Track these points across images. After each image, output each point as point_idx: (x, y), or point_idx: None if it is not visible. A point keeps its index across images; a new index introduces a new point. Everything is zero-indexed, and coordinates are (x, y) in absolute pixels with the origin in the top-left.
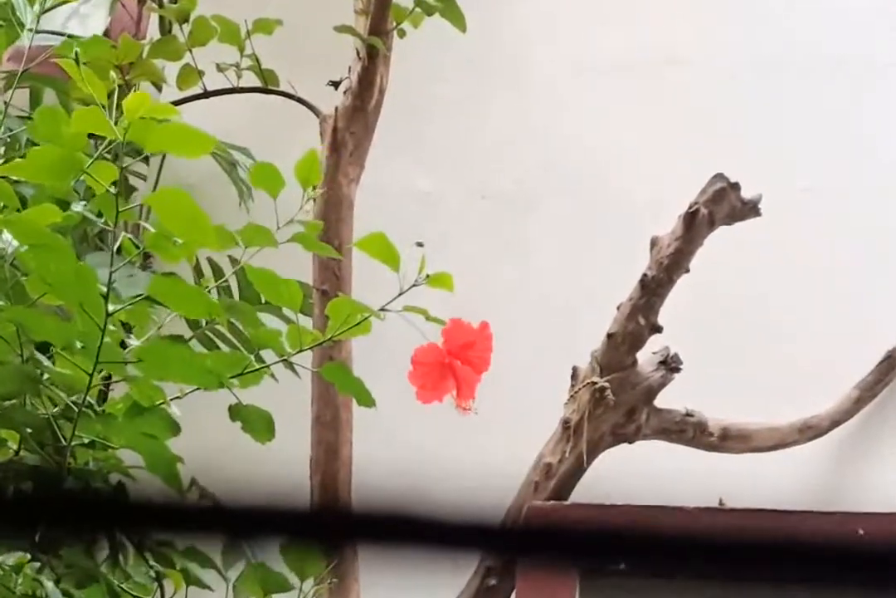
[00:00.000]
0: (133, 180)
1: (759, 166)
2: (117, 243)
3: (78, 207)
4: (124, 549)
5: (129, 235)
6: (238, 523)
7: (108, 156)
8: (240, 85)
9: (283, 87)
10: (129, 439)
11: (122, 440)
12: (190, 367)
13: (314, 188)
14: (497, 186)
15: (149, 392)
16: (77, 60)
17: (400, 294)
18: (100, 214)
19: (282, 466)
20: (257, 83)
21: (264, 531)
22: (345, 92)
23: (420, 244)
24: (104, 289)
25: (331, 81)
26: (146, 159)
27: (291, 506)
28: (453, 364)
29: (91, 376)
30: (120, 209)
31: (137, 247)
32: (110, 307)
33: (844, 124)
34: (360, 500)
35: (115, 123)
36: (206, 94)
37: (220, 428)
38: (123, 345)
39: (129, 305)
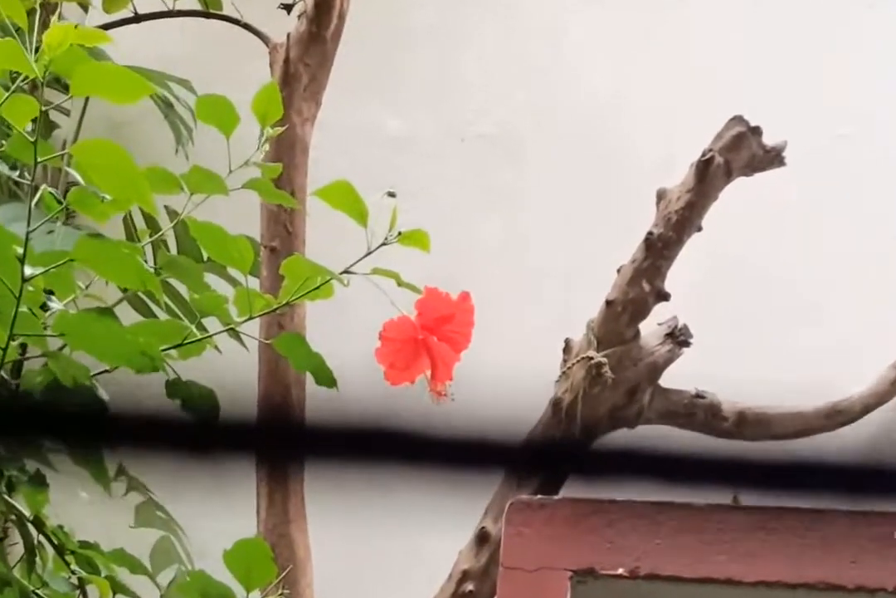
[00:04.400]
0: (55, 115)
1: (788, 108)
2: (36, 197)
3: None
4: (42, 550)
5: (51, 189)
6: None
7: (26, 87)
8: (176, 7)
9: (226, 11)
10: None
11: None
12: (119, 344)
13: (273, 126)
14: (479, 129)
15: (71, 371)
16: None
17: (367, 254)
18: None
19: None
20: (197, 6)
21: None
22: (298, 16)
23: (392, 194)
24: (20, 250)
25: (282, 4)
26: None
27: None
28: (428, 341)
29: (4, 350)
30: (39, 158)
31: (60, 202)
32: (27, 271)
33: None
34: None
35: (35, 52)
36: (137, 18)
37: (153, 406)
38: (44, 307)
39: (50, 269)
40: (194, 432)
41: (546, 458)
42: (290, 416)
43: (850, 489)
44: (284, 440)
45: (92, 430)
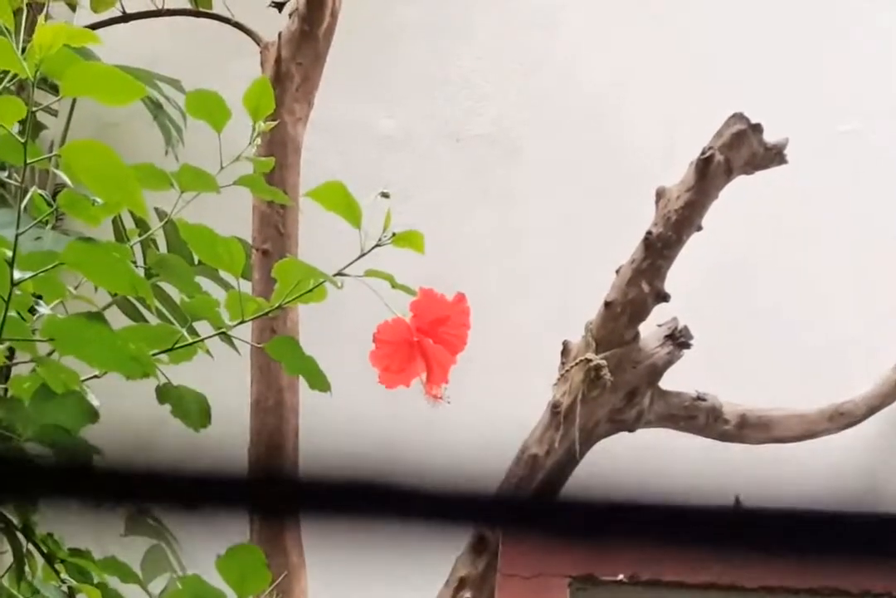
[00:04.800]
0: (42, 116)
1: (788, 104)
2: (25, 200)
3: None
4: (31, 559)
5: (41, 191)
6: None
7: (12, 88)
8: (165, 6)
9: (216, 10)
10: (38, 431)
11: (30, 431)
12: (110, 350)
13: (265, 122)
14: (474, 127)
15: (61, 376)
16: None
17: (361, 255)
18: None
19: (217, 457)
20: (186, 4)
21: (202, 499)
22: (290, 15)
23: (385, 195)
24: (9, 253)
25: (273, 2)
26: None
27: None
28: (423, 343)
29: None
30: (29, 160)
31: (50, 205)
32: (16, 275)
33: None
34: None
35: (23, 51)
36: (126, 18)
37: (145, 412)
38: (32, 311)
39: (39, 273)
40: (186, 489)
41: (516, 516)
42: (281, 460)
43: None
44: (277, 496)
45: (78, 488)
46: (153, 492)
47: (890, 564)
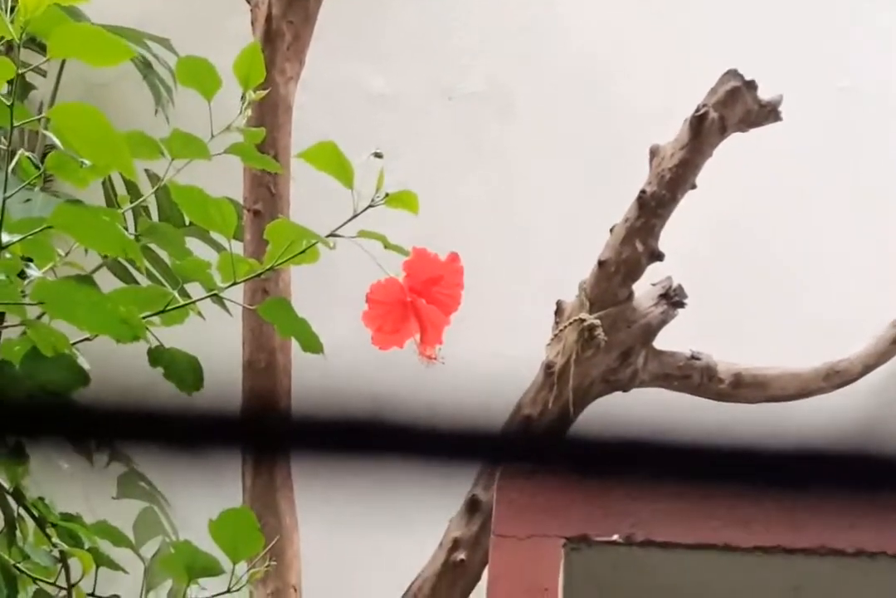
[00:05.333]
0: (31, 77)
1: (785, 62)
2: (13, 162)
3: None
4: (22, 523)
5: (28, 154)
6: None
7: (1, 48)
8: None
9: None
10: (29, 393)
11: (21, 395)
12: (100, 313)
13: (256, 89)
14: (467, 86)
15: (51, 339)
16: None
17: (354, 216)
18: None
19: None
20: None
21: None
22: None
23: (378, 155)
24: None
25: None
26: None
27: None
28: (416, 303)
29: None
30: (16, 122)
31: (38, 167)
32: (4, 238)
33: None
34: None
35: (10, 12)
36: None
37: (137, 375)
38: (22, 275)
39: (28, 236)
40: (178, 425)
41: (523, 451)
42: (275, 402)
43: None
44: (270, 434)
45: (71, 427)
46: (141, 430)
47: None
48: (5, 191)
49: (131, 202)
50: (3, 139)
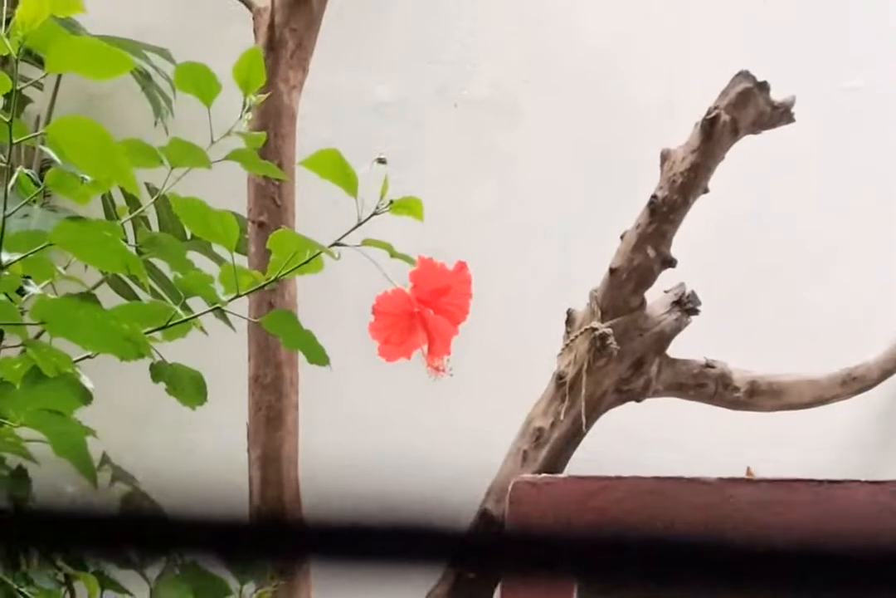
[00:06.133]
0: (27, 89)
1: (795, 63)
2: (12, 180)
3: None
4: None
5: (27, 171)
6: (166, 536)
7: None
8: None
9: None
10: (31, 416)
11: (22, 417)
12: (103, 332)
13: (256, 95)
14: (472, 92)
15: (53, 360)
16: None
17: (358, 224)
18: None
19: (214, 435)
20: None
21: (199, 546)
22: None
23: (382, 161)
24: None
25: None
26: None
27: (230, 516)
28: (424, 314)
29: None
30: (15, 140)
31: (37, 184)
32: (4, 257)
33: None
34: (310, 489)
35: (7, 23)
36: None
37: (139, 391)
38: (21, 291)
39: (28, 255)
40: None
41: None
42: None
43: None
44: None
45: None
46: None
47: None
48: (5, 209)
49: (130, 213)
50: (1, 156)
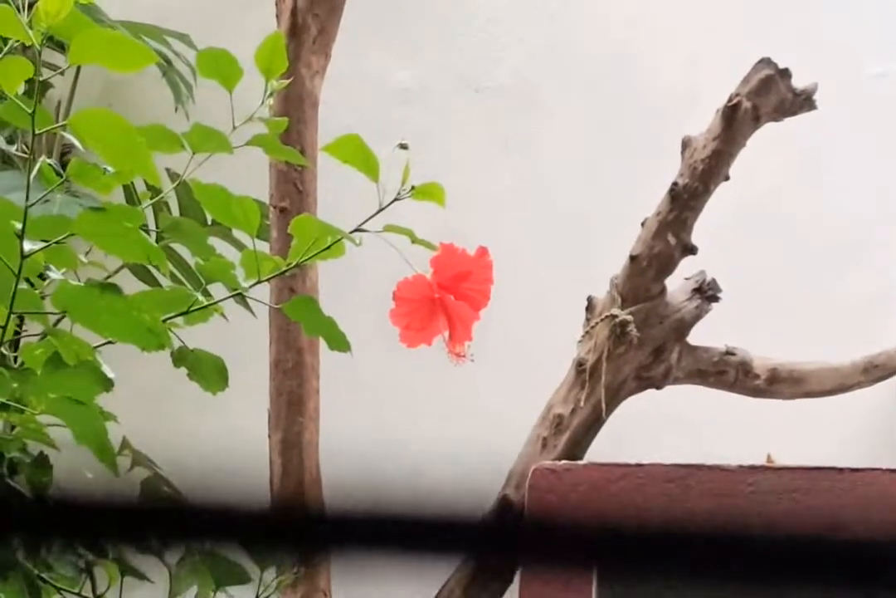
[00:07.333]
0: (48, 74)
1: (818, 49)
2: (35, 170)
3: None
4: None
5: (49, 161)
6: (187, 526)
7: (18, 47)
8: None
9: None
10: (52, 403)
11: (43, 404)
12: (124, 321)
13: (279, 80)
14: (493, 78)
15: (73, 347)
16: None
17: (379, 210)
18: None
19: (235, 421)
20: None
21: (219, 533)
22: None
23: (404, 146)
24: (18, 225)
25: None
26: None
27: (250, 502)
28: (445, 300)
29: (4, 327)
30: (38, 130)
31: (59, 174)
32: (27, 246)
33: None
34: (330, 474)
35: (28, 11)
36: None
37: (161, 375)
38: (42, 276)
39: (50, 244)
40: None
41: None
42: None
43: None
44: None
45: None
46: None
47: None
48: (27, 199)
49: (151, 199)
50: (22, 146)
